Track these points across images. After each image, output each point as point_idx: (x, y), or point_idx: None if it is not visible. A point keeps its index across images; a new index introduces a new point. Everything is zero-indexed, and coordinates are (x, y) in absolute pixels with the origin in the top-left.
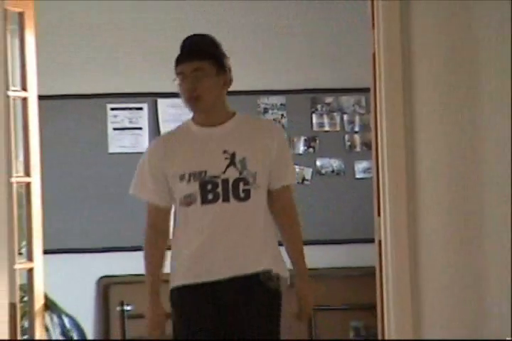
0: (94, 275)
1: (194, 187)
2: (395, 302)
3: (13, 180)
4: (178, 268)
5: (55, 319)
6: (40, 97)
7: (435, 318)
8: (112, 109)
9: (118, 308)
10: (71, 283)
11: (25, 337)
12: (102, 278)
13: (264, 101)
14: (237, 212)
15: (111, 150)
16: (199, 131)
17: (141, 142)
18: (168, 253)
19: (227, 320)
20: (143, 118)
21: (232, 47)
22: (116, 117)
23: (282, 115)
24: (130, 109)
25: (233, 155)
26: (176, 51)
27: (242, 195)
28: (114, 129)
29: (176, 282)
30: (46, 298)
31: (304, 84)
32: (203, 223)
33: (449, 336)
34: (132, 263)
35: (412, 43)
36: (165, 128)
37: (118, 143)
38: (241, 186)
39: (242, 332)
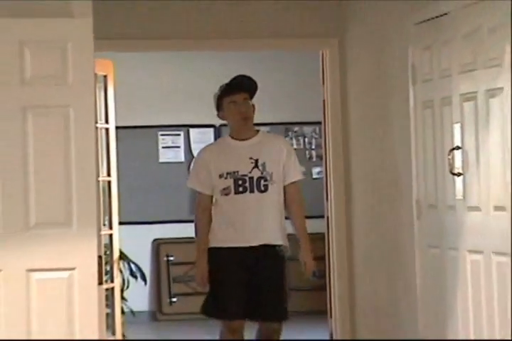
0: (150, 238)
1: (229, 182)
2: (337, 252)
3: (100, 178)
4: (217, 235)
5: (126, 265)
6: (117, 127)
7: (364, 266)
8: (162, 134)
9: (164, 258)
10: (136, 243)
11: (107, 276)
12: (155, 240)
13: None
14: (259, 200)
15: (160, 160)
16: (234, 143)
17: (179, 155)
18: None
19: (249, 273)
20: (180, 140)
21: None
22: (164, 140)
23: None
24: (172, 135)
25: (257, 161)
26: (199, 96)
27: (262, 188)
28: (163, 147)
29: (214, 244)
30: (120, 252)
31: (280, 119)
32: (235, 207)
33: (373, 277)
34: (173, 231)
35: (348, 93)
36: (194, 146)
37: (165, 156)
38: (262, 182)
39: (260, 281)
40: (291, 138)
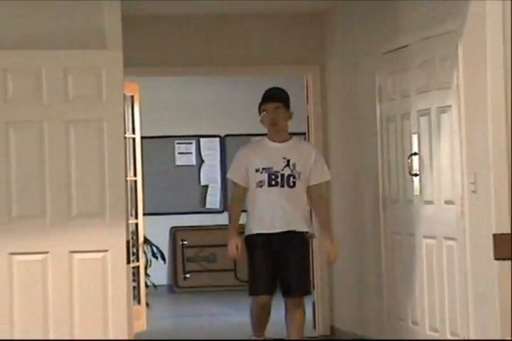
0: (168, 226)
1: (264, 176)
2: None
3: (128, 178)
4: (252, 222)
5: (149, 248)
6: (142, 137)
7: (341, 249)
8: (177, 143)
9: (180, 242)
10: (156, 230)
11: (134, 256)
12: (172, 227)
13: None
14: (288, 193)
15: (177, 163)
16: (270, 144)
17: (191, 160)
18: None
19: (278, 255)
20: (192, 148)
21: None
22: (179, 147)
23: None
24: (186, 143)
25: (288, 161)
26: (207, 112)
27: (291, 184)
28: (178, 153)
29: (250, 231)
30: (144, 237)
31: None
32: (268, 198)
33: (349, 257)
34: (187, 220)
35: (327, 110)
36: (204, 153)
37: (180, 160)
38: (291, 179)
39: (287, 262)
40: None
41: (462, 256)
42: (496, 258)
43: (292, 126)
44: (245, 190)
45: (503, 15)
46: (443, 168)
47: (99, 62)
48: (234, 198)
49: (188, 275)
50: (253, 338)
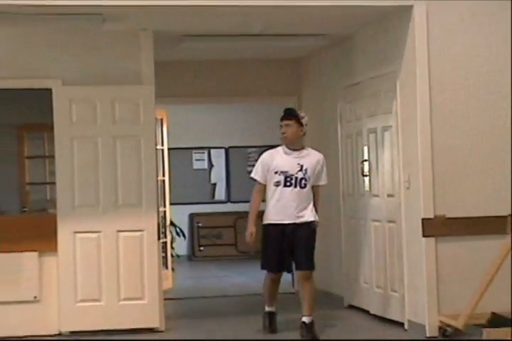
0: (187, 212)
1: (281, 178)
2: None
3: (158, 178)
4: (269, 214)
5: (173, 228)
6: (169, 149)
7: None
8: (194, 152)
9: (196, 224)
10: (179, 215)
11: (163, 234)
12: (190, 213)
13: (247, 151)
14: (299, 192)
15: (194, 167)
16: (288, 152)
17: (204, 165)
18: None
19: (290, 239)
20: (205, 156)
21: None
22: (196, 156)
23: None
24: (200, 153)
25: (302, 166)
26: (215, 130)
27: (302, 185)
28: (195, 160)
29: (267, 221)
30: (170, 221)
31: (267, 143)
32: (283, 195)
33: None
34: (201, 208)
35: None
36: (213, 160)
37: (196, 165)
38: (303, 181)
39: (297, 243)
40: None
41: (400, 234)
42: (424, 236)
43: (273, 140)
44: (265, 186)
45: (428, 60)
46: (386, 170)
47: (137, 95)
48: (255, 193)
49: (201, 248)
50: (267, 309)
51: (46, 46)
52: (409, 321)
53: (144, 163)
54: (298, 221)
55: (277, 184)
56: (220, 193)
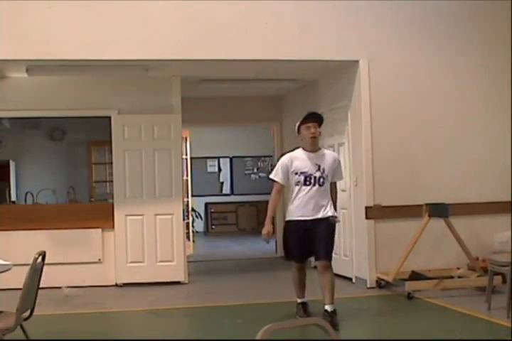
0: (203, 202)
1: (301, 178)
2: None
3: (183, 178)
4: (291, 211)
5: (194, 213)
6: (191, 158)
7: None
8: (208, 160)
9: (210, 210)
10: (198, 204)
11: (186, 217)
12: (206, 202)
13: (245, 159)
14: (318, 190)
15: (208, 171)
16: (306, 154)
17: (215, 169)
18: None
19: (311, 233)
20: (215, 163)
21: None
22: (210, 162)
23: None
24: (212, 161)
25: (319, 166)
26: (223, 144)
27: (321, 183)
28: (209, 166)
29: (289, 217)
30: (192, 208)
31: (254, 154)
32: (304, 193)
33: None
34: (213, 199)
35: (283, 145)
36: (222, 166)
37: (210, 169)
38: (321, 180)
39: (318, 236)
40: (262, 162)
41: (350, 218)
42: (366, 218)
43: (263, 151)
44: (283, 187)
45: (369, 97)
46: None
47: (169, 120)
48: (275, 193)
49: (213, 227)
50: (299, 300)
51: (107, 87)
52: (356, 277)
53: (174, 167)
54: (318, 216)
55: (298, 183)
56: (226, 188)
